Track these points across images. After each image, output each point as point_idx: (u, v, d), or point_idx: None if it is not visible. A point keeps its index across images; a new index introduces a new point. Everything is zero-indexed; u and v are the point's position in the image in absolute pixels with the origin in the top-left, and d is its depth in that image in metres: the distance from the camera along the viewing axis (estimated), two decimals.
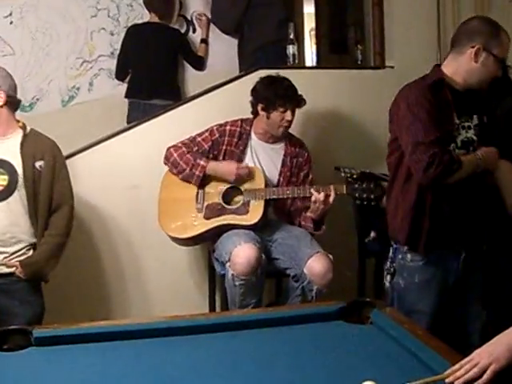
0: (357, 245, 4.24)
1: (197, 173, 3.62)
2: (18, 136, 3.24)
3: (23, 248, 3.24)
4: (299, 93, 3.64)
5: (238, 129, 3.70)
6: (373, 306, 2.37)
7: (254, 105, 3.70)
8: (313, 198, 3.46)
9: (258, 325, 2.31)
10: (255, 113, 3.70)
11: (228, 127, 3.70)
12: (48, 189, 3.25)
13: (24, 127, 3.28)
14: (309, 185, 3.71)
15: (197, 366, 2.04)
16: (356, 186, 3.42)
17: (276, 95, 3.57)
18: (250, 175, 3.63)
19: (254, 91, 3.69)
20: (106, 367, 2.05)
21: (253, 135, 3.73)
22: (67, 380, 1.97)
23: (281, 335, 2.26)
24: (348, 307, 2.36)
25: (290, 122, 3.62)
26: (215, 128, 3.71)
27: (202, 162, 3.62)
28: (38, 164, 3.22)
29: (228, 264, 3.40)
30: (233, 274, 3.36)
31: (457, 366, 1.79)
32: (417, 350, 1.99)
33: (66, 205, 3.33)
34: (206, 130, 3.72)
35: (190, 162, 3.62)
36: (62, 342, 2.21)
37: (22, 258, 3.22)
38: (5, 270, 3.19)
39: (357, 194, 3.43)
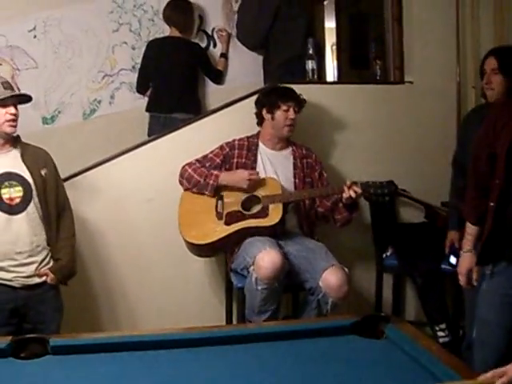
0: (374, 259, 4.24)
1: (211, 182, 3.70)
2: (16, 148, 3.27)
3: (47, 255, 3.30)
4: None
5: (246, 142, 3.85)
6: (388, 320, 2.37)
7: (258, 113, 3.88)
8: (345, 195, 3.56)
9: (272, 338, 2.32)
10: (261, 121, 3.87)
11: (236, 142, 3.85)
12: (55, 194, 3.34)
13: (19, 139, 3.31)
14: (326, 182, 3.84)
15: (210, 377, 2.05)
16: (370, 183, 3.59)
17: (277, 95, 3.79)
18: (264, 183, 3.72)
19: (257, 102, 3.89)
20: (120, 377, 2.07)
21: (261, 145, 3.85)
22: None
23: (294, 349, 2.26)
24: (362, 321, 2.36)
25: (294, 120, 3.77)
26: (224, 144, 3.84)
27: (215, 172, 3.73)
28: (43, 172, 3.28)
29: (252, 268, 3.42)
30: (256, 278, 3.38)
31: (489, 374, 1.80)
32: (431, 366, 1.98)
33: (69, 208, 3.44)
34: (217, 147, 3.85)
35: (204, 174, 3.73)
36: (78, 351, 2.23)
37: (48, 265, 3.28)
38: (37, 280, 3.25)
39: (371, 190, 3.58)
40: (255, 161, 3.81)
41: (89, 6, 4.81)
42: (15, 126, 3.18)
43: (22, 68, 4.67)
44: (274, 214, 3.63)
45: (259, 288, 3.39)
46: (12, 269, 3.18)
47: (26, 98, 3.28)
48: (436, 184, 4.14)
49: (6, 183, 3.17)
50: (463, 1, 4.34)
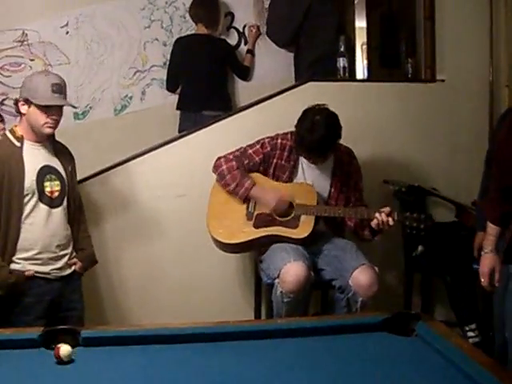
0: (404, 258, 4.21)
1: (240, 193, 3.61)
2: (48, 142, 3.29)
3: (72, 248, 3.36)
4: (334, 142, 3.55)
5: (289, 142, 3.65)
6: (418, 318, 2.35)
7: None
8: (375, 221, 3.41)
9: (302, 333, 2.32)
10: None
11: (279, 140, 3.66)
12: (75, 189, 3.41)
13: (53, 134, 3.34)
14: (359, 193, 3.71)
15: (240, 371, 2.06)
16: (407, 214, 3.43)
17: (303, 146, 3.52)
18: (300, 189, 3.60)
19: (302, 114, 3.57)
20: (150, 370, 2.08)
21: None
22: (113, 380, 2.01)
23: (324, 344, 2.26)
24: (393, 319, 2.35)
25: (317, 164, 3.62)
26: (267, 141, 3.67)
27: (246, 184, 3.60)
28: (69, 168, 3.33)
29: (277, 281, 3.37)
30: (281, 292, 3.34)
31: None
32: (463, 364, 1.97)
33: (83, 206, 3.52)
34: (258, 142, 3.69)
35: (236, 180, 3.61)
36: (109, 343, 2.25)
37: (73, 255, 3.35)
38: (68, 271, 3.31)
39: (407, 222, 3.43)
40: (295, 166, 3.64)
41: (121, 3, 4.85)
42: (54, 128, 3.20)
43: (54, 64, 4.71)
44: (305, 227, 3.54)
45: (285, 301, 3.35)
46: (50, 261, 3.23)
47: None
48: (467, 183, 4.11)
49: (48, 176, 3.21)
50: None
